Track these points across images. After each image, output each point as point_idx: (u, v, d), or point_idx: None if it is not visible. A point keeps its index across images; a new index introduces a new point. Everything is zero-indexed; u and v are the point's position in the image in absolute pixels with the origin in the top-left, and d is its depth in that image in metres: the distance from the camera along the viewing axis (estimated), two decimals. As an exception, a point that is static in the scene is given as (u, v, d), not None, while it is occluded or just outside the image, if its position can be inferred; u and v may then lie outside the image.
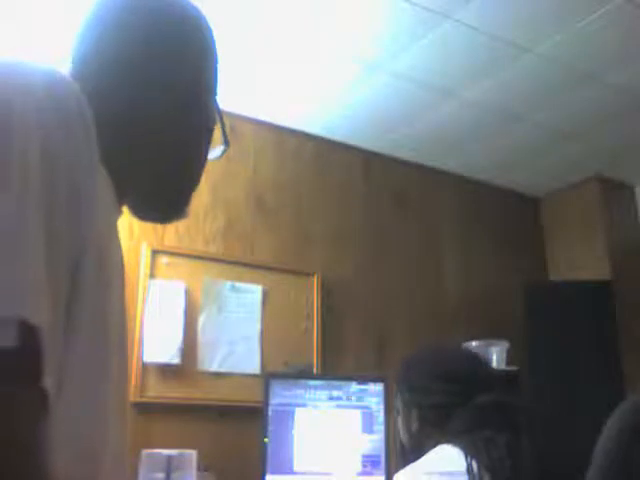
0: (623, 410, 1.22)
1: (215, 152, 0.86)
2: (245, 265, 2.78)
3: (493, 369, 1.58)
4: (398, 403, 1.41)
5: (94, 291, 0.58)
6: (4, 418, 0.46)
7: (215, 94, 0.83)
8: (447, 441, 1.21)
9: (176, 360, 2.49)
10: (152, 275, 2.55)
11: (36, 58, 0.63)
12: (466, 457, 1.13)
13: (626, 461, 1.15)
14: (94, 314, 0.58)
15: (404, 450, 1.38)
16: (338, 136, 3.22)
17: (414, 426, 1.34)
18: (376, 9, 2.29)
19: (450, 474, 1.14)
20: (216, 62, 0.84)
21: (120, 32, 0.74)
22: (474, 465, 1.11)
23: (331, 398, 2.45)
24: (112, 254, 0.65)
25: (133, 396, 2.38)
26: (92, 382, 0.58)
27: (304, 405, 2.40)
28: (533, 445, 1.14)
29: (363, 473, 2.39)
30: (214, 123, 0.83)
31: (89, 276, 0.57)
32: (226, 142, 0.87)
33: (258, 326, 2.74)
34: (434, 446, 1.24)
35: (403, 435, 1.38)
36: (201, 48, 0.81)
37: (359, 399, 2.48)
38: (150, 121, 0.74)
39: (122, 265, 0.72)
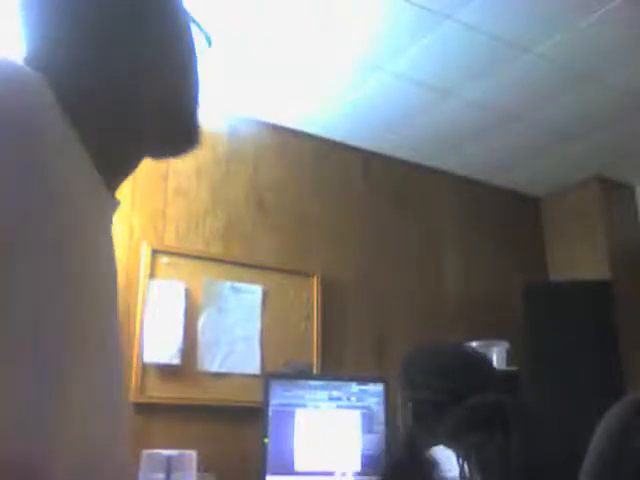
0: (615, 411, 1.22)
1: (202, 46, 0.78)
2: (245, 265, 2.78)
3: (493, 367, 1.57)
4: (398, 399, 1.41)
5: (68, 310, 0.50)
6: None
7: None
8: (440, 442, 1.21)
9: (176, 360, 2.49)
10: (152, 275, 2.55)
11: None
12: (457, 460, 1.13)
13: (618, 462, 1.15)
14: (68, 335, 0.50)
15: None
16: (338, 136, 3.21)
17: (409, 422, 1.35)
18: (376, 9, 2.29)
19: None
20: None
21: None
22: (465, 469, 1.11)
23: (331, 398, 2.45)
24: (99, 269, 0.58)
25: (133, 396, 2.38)
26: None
27: (304, 405, 2.40)
28: (526, 446, 1.13)
29: (363, 473, 2.40)
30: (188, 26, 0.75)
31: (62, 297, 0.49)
32: (208, 40, 0.78)
33: (258, 326, 2.73)
34: (429, 444, 1.24)
35: (402, 431, 1.39)
36: None
37: (359, 399, 2.48)
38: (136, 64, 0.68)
39: (113, 273, 0.64)
